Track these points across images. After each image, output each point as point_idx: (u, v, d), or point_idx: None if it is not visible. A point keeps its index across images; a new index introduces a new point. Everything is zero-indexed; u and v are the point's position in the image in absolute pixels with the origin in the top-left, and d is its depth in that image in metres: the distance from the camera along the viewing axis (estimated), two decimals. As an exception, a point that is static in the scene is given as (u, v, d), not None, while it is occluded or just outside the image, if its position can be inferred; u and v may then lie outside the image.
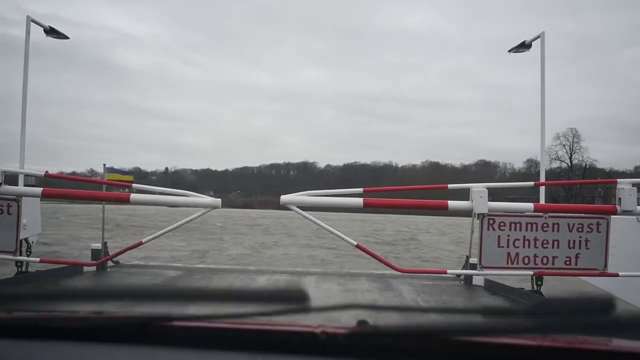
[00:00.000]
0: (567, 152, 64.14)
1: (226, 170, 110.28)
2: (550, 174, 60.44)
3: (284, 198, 4.49)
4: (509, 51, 6.38)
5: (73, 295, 1.08)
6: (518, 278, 5.86)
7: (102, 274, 6.13)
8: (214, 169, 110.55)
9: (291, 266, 10.69)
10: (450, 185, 4.75)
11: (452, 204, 4.57)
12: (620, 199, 4.54)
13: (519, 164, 77.83)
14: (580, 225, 4.68)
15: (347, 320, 1.07)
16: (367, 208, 4.69)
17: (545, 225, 4.65)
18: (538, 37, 6.07)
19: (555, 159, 63.92)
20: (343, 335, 1.07)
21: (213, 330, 1.18)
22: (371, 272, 6.57)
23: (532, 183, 5.30)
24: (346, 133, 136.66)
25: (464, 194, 4.58)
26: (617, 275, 4.77)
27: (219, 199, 4.67)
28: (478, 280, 6.27)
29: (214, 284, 5.56)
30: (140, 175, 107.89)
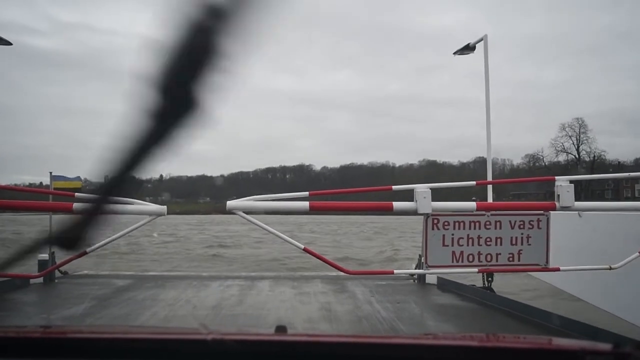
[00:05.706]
0: (573, 143, 60.69)
1: (221, 176, 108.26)
2: (555, 166, 57.52)
3: (230, 204, 4.48)
4: (454, 53, 6.52)
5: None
6: (470, 275, 5.99)
7: (49, 286, 5.96)
8: (209, 174, 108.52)
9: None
10: (394, 187, 4.81)
11: (397, 205, 4.62)
12: (559, 195, 4.69)
13: (517, 160, 71.99)
14: (521, 222, 4.80)
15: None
16: (314, 211, 4.71)
17: (487, 223, 4.75)
18: (481, 39, 6.23)
19: (561, 150, 61.03)
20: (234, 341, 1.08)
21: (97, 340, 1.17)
22: (325, 275, 6.58)
23: (474, 182, 5.41)
24: (363, 136, 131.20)
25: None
26: (558, 269, 4.92)
27: (165, 207, 4.61)
28: (431, 279, 6.37)
29: (165, 293, 5.47)
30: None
